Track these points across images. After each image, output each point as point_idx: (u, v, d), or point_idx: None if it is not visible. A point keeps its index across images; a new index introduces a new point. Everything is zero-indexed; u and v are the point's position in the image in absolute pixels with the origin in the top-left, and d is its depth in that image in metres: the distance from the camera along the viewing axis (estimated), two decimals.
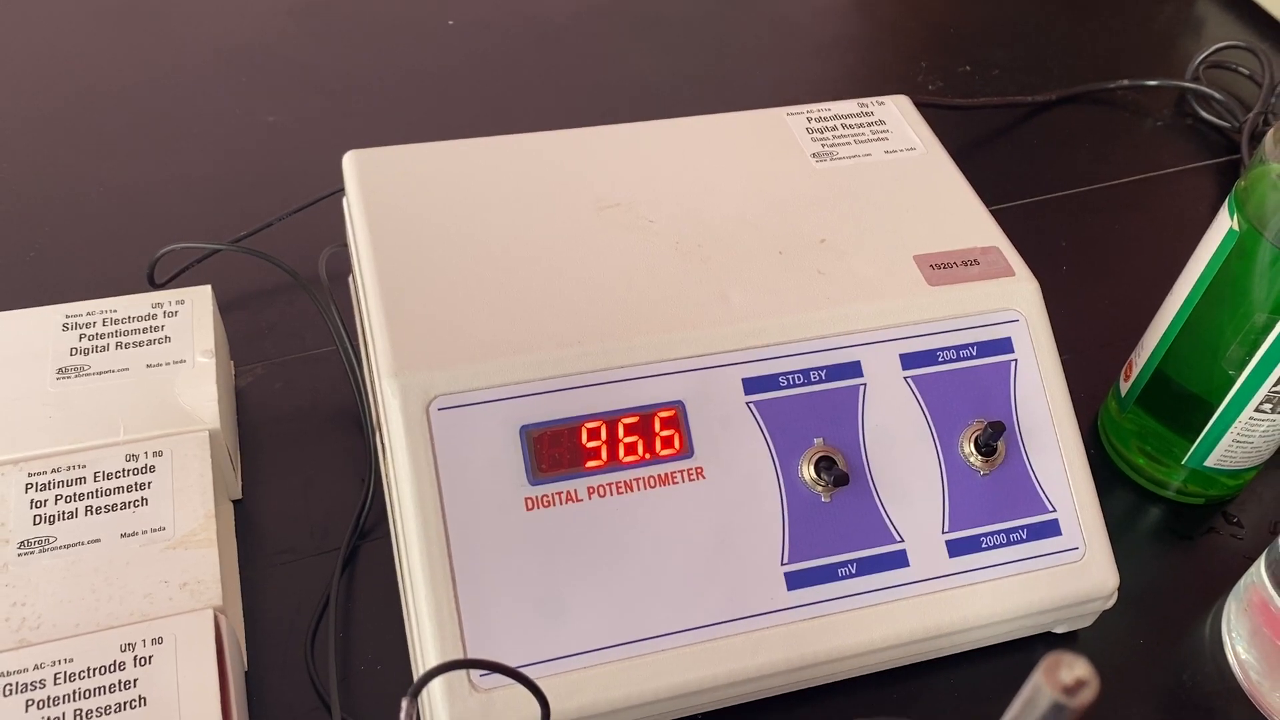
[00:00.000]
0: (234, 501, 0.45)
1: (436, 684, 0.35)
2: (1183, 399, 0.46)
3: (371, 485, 0.46)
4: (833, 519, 0.39)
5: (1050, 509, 0.41)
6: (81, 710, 0.34)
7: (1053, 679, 0.16)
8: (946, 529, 0.40)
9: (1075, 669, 0.16)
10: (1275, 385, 0.43)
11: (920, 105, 0.50)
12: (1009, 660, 0.43)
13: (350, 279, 0.50)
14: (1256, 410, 0.44)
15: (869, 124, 0.48)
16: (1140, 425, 0.48)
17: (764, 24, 0.73)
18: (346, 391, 0.49)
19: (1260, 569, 0.43)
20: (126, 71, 0.65)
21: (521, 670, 0.33)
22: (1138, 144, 0.66)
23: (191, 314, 0.45)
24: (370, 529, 0.45)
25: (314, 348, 0.51)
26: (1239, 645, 0.43)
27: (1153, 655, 0.44)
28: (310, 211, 0.53)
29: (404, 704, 0.24)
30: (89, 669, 0.34)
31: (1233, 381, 0.43)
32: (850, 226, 0.44)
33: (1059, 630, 0.43)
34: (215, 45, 0.67)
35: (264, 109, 0.63)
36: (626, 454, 0.38)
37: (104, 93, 0.63)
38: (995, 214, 0.45)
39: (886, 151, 0.47)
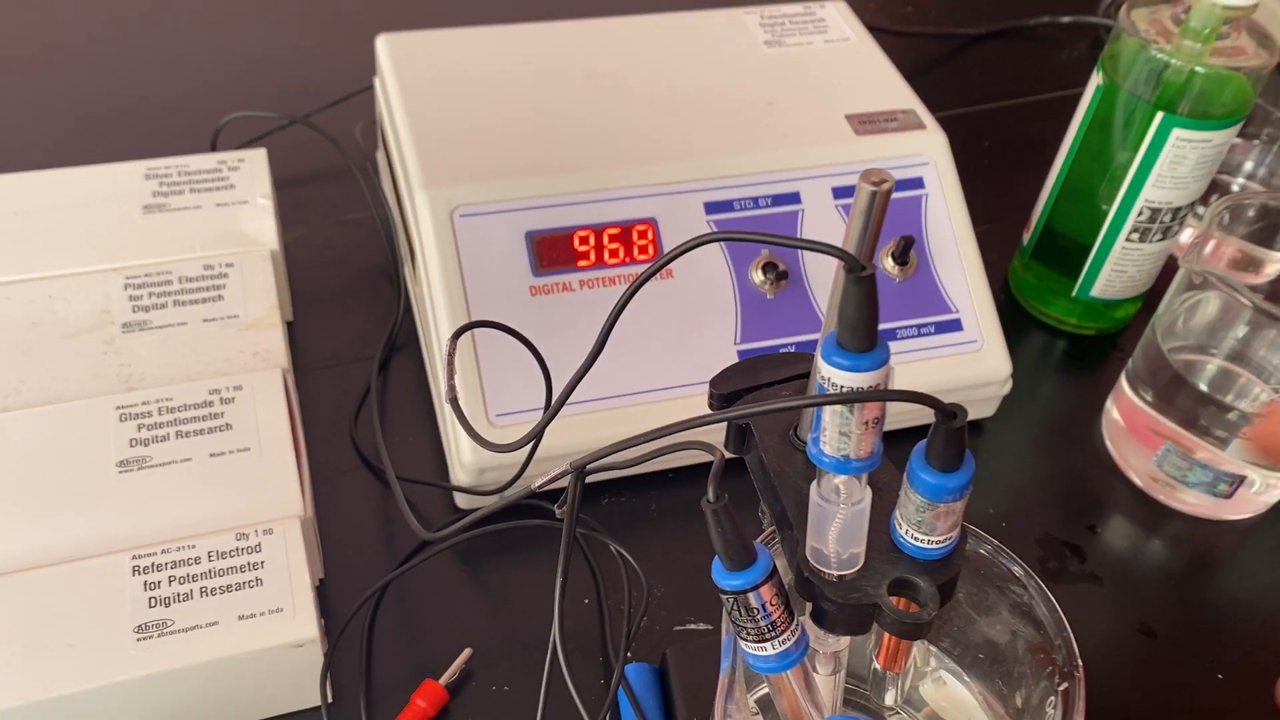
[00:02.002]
0: (286, 323, 0.54)
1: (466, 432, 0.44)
2: (1068, 243, 0.55)
3: (400, 311, 0.55)
4: (776, 311, 0.49)
5: (953, 310, 0.50)
6: (180, 430, 0.43)
7: (866, 179, 0.25)
8: None
9: (878, 173, 0.25)
10: (1139, 216, 0.52)
11: (871, 29, 0.60)
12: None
13: (379, 154, 0.60)
14: (1126, 241, 0.53)
15: (811, 20, 0.58)
16: (1037, 272, 0.58)
17: None
18: (376, 248, 0.58)
19: (1122, 376, 0.52)
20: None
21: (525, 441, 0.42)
22: (1054, 70, 0.76)
23: (251, 169, 0.54)
24: (400, 345, 0.54)
25: (348, 214, 0.60)
26: (1105, 432, 0.53)
27: (1049, 442, 0.54)
28: (341, 105, 0.63)
29: (440, 335, 0.33)
30: (184, 405, 0.44)
31: (1105, 220, 0.53)
32: (793, 92, 0.54)
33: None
34: None
35: (299, 29, 0.73)
36: (610, 257, 0.48)
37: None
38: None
39: (825, 41, 0.57)
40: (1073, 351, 0.58)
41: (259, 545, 0.40)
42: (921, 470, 0.26)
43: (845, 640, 0.31)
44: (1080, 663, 0.29)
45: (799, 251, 0.49)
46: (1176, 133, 0.49)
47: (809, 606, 0.29)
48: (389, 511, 0.47)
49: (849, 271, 0.24)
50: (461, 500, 0.47)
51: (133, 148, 0.57)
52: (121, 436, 0.43)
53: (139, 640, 0.37)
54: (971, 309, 0.50)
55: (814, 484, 0.28)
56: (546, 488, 0.29)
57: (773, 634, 0.28)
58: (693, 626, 0.44)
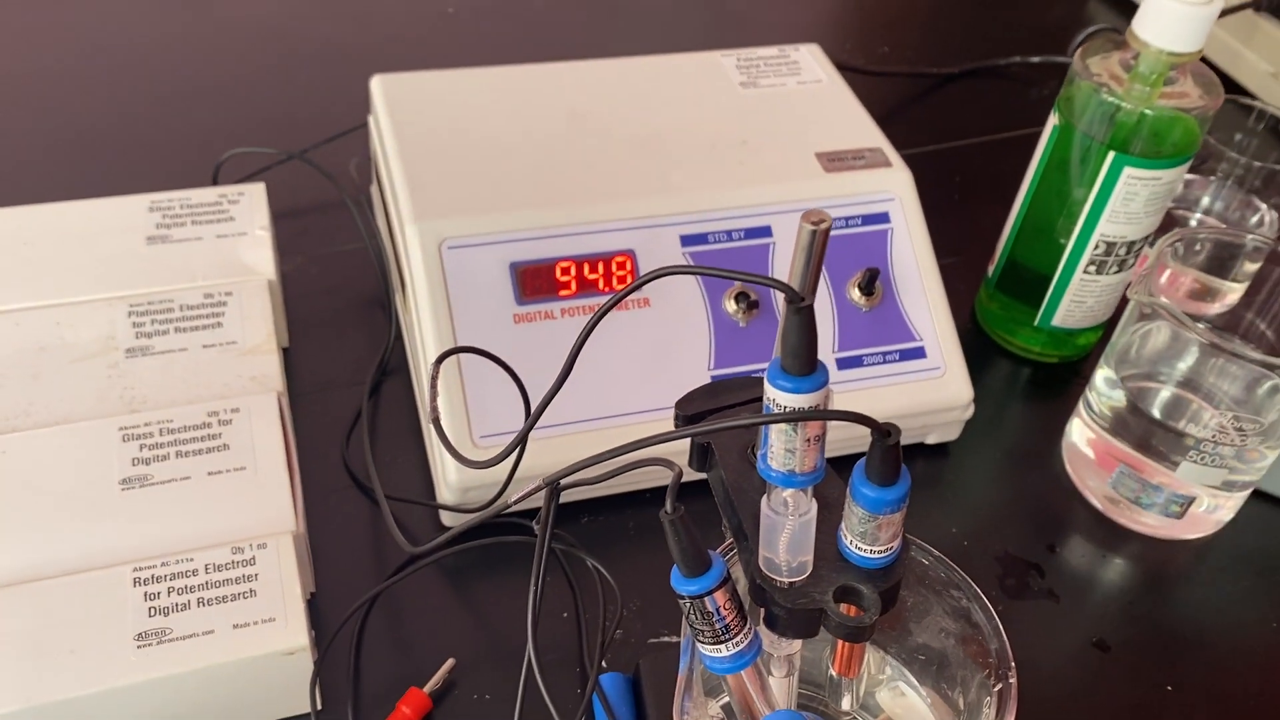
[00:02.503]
0: (282, 349, 0.56)
1: (446, 434, 0.46)
2: (1030, 275, 0.58)
3: (391, 338, 0.57)
4: (747, 339, 0.51)
5: (917, 338, 0.53)
6: (180, 450, 0.45)
7: (806, 219, 0.28)
8: (836, 349, 0.52)
9: (818, 214, 0.28)
10: (1096, 250, 0.55)
11: (845, 69, 0.63)
12: None
13: (372, 188, 0.63)
14: (1084, 273, 0.56)
15: (786, 63, 0.61)
16: (1002, 303, 0.61)
17: (722, 23, 0.87)
18: (369, 278, 0.61)
19: (1081, 402, 0.55)
20: (195, 43, 0.77)
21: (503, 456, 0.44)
22: (1024, 108, 0.79)
23: (250, 202, 0.57)
24: (392, 370, 0.56)
25: (343, 245, 0.63)
26: (1065, 455, 0.56)
27: (1011, 465, 0.56)
28: (337, 142, 0.66)
29: (427, 361, 0.36)
30: (184, 426, 0.46)
31: (1064, 253, 0.56)
32: (766, 131, 0.56)
33: (930, 441, 0.55)
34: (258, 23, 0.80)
35: (298, 70, 0.76)
36: (590, 287, 0.50)
37: (181, 43, 0.76)
38: (906, 158, 0.57)
39: (798, 82, 0.60)
40: (1036, 378, 0.61)
41: (253, 559, 0.42)
42: (862, 485, 0.29)
43: (797, 644, 0.33)
44: (1013, 665, 0.31)
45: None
46: (1128, 171, 0.52)
47: (763, 613, 0.31)
48: (378, 528, 0.50)
49: (789, 303, 0.26)
50: (447, 518, 0.50)
51: (138, 181, 0.60)
52: (124, 456, 0.45)
53: (139, 647, 0.39)
54: (934, 337, 0.53)
55: (764, 498, 0.30)
56: (522, 504, 0.32)
57: (727, 636, 0.30)
58: (666, 639, 0.47)
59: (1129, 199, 0.53)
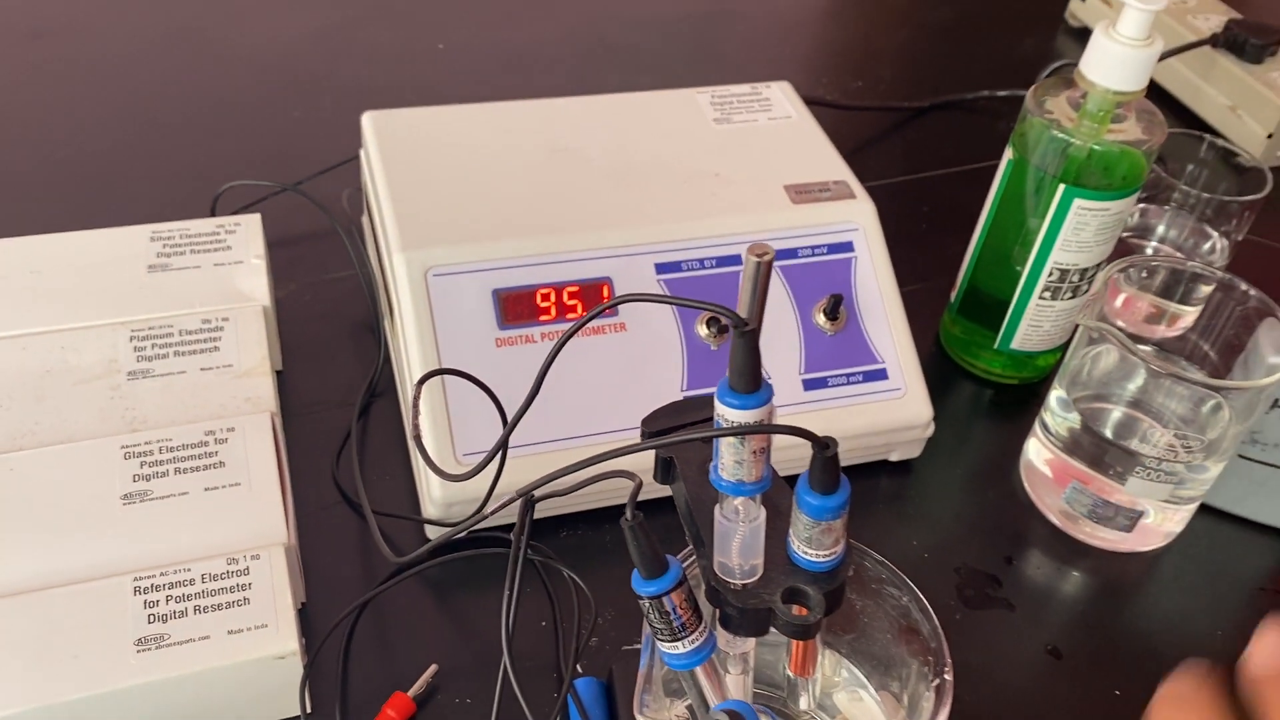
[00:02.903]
0: (276, 372, 0.59)
1: (430, 453, 0.49)
2: (989, 300, 0.61)
3: (380, 361, 0.60)
4: (719, 361, 0.54)
5: (879, 361, 0.56)
6: (179, 467, 0.48)
7: (751, 251, 0.31)
8: (803, 371, 0.55)
9: (761, 247, 0.31)
10: (1050, 277, 0.58)
11: (819, 103, 0.66)
12: (857, 485, 0.57)
13: (364, 218, 0.66)
14: (1040, 299, 0.59)
15: (757, 99, 0.64)
16: (964, 327, 0.64)
17: (703, 59, 0.90)
18: (360, 304, 0.64)
19: (1037, 423, 0.58)
20: (190, 89, 0.81)
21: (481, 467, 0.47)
22: (990, 141, 0.82)
23: (246, 232, 0.60)
24: (380, 392, 0.59)
25: (334, 273, 0.66)
26: (1023, 472, 0.58)
27: (972, 482, 0.59)
28: (329, 175, 0.69)
29: (413, 382, 0.38)
30: (182, 444, 0.48)
31: (1020, 280, 0.59)
32: (738, 165, 0.59)
33: (894, 458, 0.58)
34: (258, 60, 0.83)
35: (293, 104, 0.79)
36: (569, 312, 0.53)
37: (182, 89, 0.79)
38: (877, 188, 0.60)
39: (769, 118, 0.63)
40: (998, 399, 0.63)
41: (247, 569, 0.44)
42: (806, 494, 0.31)
43: (750, 643, 0.35)
44: (949, 661, 0.34)
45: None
46: (1078, 202, 0.55)
47: (718, 613, 0.34)
48: (365, 543, 0.52)
49: (735, 328, 0.29)
50: (432, 533, 0.52)
51: (139, 212, 0.63)
52: (126, 472, 0.47)
53: (139, 652, 0.41)
54: (896, 359, 0.56)
55: (717, 506, 0.33)
56: (503, 518, 0.34)
57: (684, 634, 0.32)
58: (638, 646, 0.49)
59: (1080, 228, 0.56)
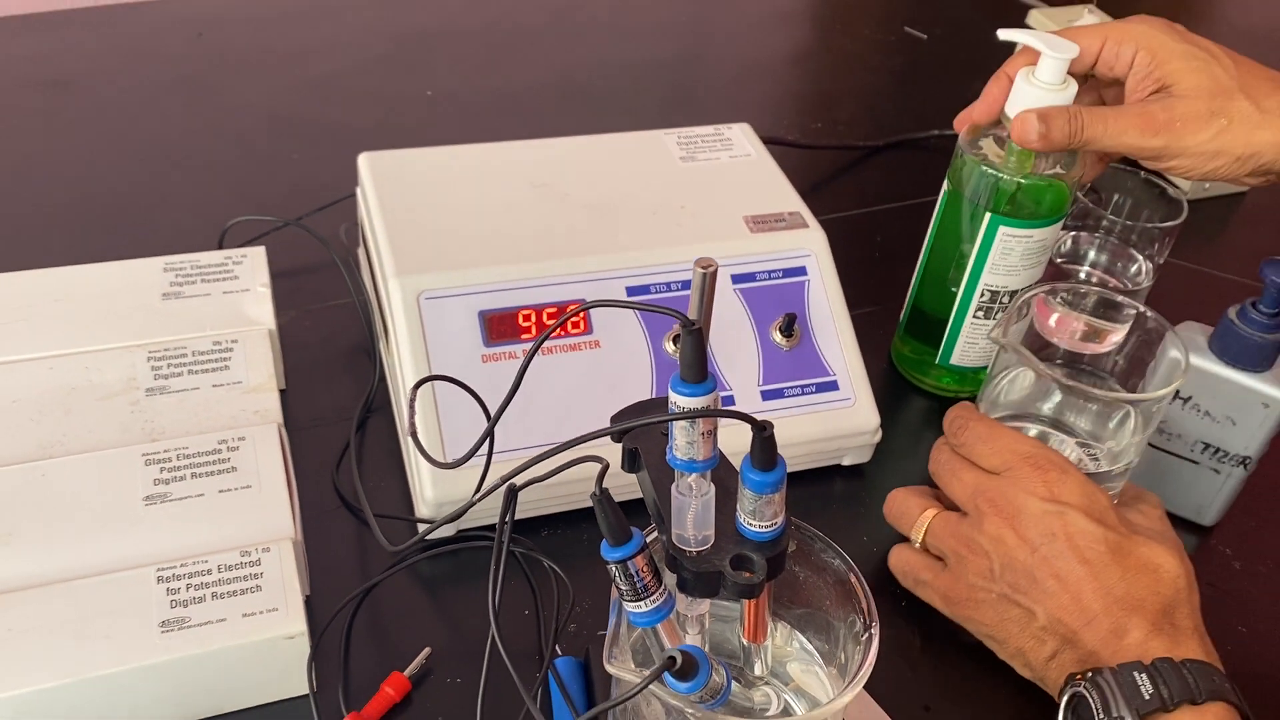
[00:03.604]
0: (280, 390, 0.64)
1: (424, 459, 0.54)
2: (931, 320, 0.67)
3: (376, 379, 0.65)
4: None
5: (830, 373, 0.61)
6: (195, 472, 0.53)
7: (698, 264, 0.36)
8: (761, 383, 0.60)
9: (706, 260, 0.36)
10: (982, 298, 0.64)
11: (781, 143, 0.72)
12: (815, 487, 0.63)
13: (359, 250, 0.71)
14: (973, 318, 0.65)
15: (720, 139, 0.71)
16: (911, 346, 0.69)
17: (674, 102, 0.97)
18: (356, 328, 0.69)
19: None
20: (199, 133, 0.86)
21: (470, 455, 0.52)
22: (939, 177, 0.88)
23: (252, 263, 0.65)
24: (376, 408, 0.64)
25: (333, 300, 0.71)
26: None
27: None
28: (328, 210, 0.75)
29: (408, 393, 0.44)
30: (198, 452, 0.54)
31: (955, 300, 0.65)
32: (702, 198, 0.65)
33: (846, 462, 0.63)
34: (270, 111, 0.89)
35: (293, 147, 0.85)
36: None
37: (192, 135, 0.85)
38: (834, 220, 0.66)
39: (730, 156, 0.69)
40: (944, 411, 0.69)
41: (259, 560, 0.49)
42: (748, 471, 0.37)
43: (705, 604, 0.41)
44: (876, 618, 0.39)
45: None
46: (1003, 230, 0.61)
47: (676, 578, 0.39)
48: (364, 543, 0.57)
49: (684, 327, 0.35)
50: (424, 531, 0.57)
51: (154, 246, 0.68)
52: (147, 478, 0.52)
53: (163, 633, 0.46)
54: (846, 372, 0.61)
55: (674, 484, 0.38)
56: (488, 511, 0.39)
57: (646, 595, 0.38)
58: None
59: (1006, 253, 0.62)
